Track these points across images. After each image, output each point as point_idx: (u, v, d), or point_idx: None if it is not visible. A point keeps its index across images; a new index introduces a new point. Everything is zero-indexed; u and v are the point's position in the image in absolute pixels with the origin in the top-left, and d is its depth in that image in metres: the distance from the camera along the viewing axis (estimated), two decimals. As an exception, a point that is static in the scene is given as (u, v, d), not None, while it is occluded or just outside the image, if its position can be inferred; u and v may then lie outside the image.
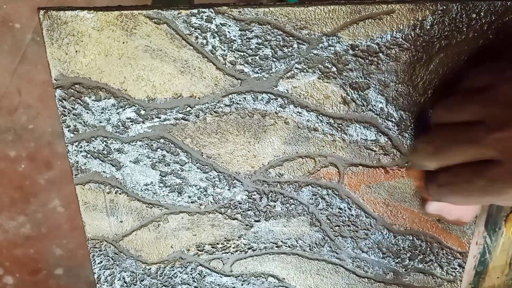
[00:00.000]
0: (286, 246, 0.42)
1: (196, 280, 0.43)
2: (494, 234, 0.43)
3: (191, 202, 0.40)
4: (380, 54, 0.35)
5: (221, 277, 0.43)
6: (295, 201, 0.40)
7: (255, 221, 0.41)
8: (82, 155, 0.38)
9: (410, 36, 0.35)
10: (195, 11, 0.33)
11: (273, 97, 0.36)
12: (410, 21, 0.34)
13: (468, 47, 0.35)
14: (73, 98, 0.36)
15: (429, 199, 0.35)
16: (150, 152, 0.38)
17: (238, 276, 0.43)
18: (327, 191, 0.40)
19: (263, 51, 0.35)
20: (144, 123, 0.37)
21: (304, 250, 0.42)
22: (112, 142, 0.37)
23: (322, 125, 0.37)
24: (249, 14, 0.34)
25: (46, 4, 1.19)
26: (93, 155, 0.38)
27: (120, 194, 0.39)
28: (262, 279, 0.43)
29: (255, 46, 0.35)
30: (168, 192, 0.39)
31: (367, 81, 0.36)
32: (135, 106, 0.36)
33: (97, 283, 0.43)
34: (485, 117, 0.28)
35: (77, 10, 0.33)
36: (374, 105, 0.37)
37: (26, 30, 1.20)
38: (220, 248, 0.42)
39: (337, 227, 0.41)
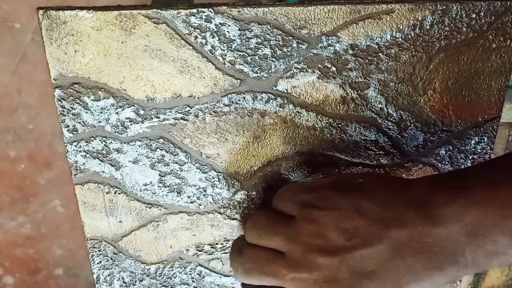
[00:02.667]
0: (285, 246, 0.42)
1: (195, 280, 0.43)
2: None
3: (191, 202, 0.40)
4: (380, 54, 0.35)
5: (220, 277, 0.43)
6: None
7: (255, 221, 0.41)
8: (81, 155, 0.38)
9: (409, 36, 0.34)
10: (194, 10, 0.33)
11: (273, 96, 0.36)
12: (410, 21, 0.34)
13: (468, 47, 0.35)
14: (72, 98, 0.36)
15: None
16: (149, 152, 0.38)
17: (238, 276, 0.43)
18: (326, 191, 0.40)
19: (262, 51, 0.35)
20: (143, 123, 0.37)
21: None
22: (111, 142, 0.37)
23: (322, 124, 0.37)
24: (249, 13, 0.34)
25: (46, 4, 1.19)
26: (92, 155, 0.38)
27: (119, 194, 0.39)
28: (261, 279, 0.43)
29: (255, 46, 0.35)
30: (167, 192, 0.39)
31: (367, 81, 0.36)
32: (134, 106, 0.36)
33: (97, 283, 0.43)
34: (287, 252, 0.31)
35: (76, 10, 0.33)
36: (374, 105, 0.37)
37: (26, 30, 1.20)
38: (220, 248, 0.42)
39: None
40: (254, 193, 0.40)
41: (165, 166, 0.38)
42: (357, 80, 0.36)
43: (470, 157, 0.39)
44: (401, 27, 0.34)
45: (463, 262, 0.29)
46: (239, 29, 0.34)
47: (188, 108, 0.36)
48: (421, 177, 0.32)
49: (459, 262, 0.29)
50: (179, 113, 0.37)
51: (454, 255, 0.29)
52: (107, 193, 0.39)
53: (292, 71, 0.35)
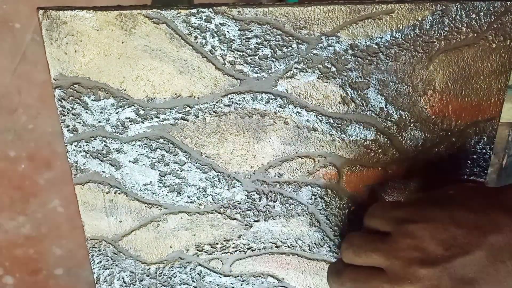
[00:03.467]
0: (285, 246, 0.42)
1: (195, 280, 0.43)
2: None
3: (190, 202, 0.40)
4: (380, 54, 0.35)
5: (220, 277, 0.43)
6: (295, 201, 0.40)
7: (255, 221, 0.41)
8: (81, 155, 0.38)
9: (409, 36, 0.34)
10: (194, 11, 0.33)
11: (273, 97, 0.36)
12: (410, 21, 0.34)
13: (468, 47, 0.35)
14: (72, 98, 0.36)
15: None
16: (149, 152, 0.38)
17: (238, 276, 0.43)
18: (326, 191, 0.40)
19: (262, 51, 0.35)
20: (143, 123, 0.37)
21: (303, 250, 0.42)
22: (111, 142, 0.37)
23: (322, 125, 0.37)
24: (249, 14, 0.34)
25: (46, 4, 1.19)
26: (92, 155, 0.38)
27: (119, 194, 0.39)
28: (261, 279, 0.43)
29: (255, 46, 0.35)
30: (168, 192, 0.39)
31: (367, 81, 0.36)
32: (134, 106, 0.36)
33: (97, 283, 0.43)
34: (387, 268, 0.32)
35: (76, 10, 0.33)
36: (374, 105, 0.37)
37: (26, 30, 1.20)
38: (220, 248, 0.42)
39: (336, 227, 0.41)
40: (254, 193, 0.40)
41: (165, 166, 0.38)
42: (357, 80, 0.36)
43: (470, 157, 0.39)
44: (401, 27, 0.34)
45: None
46: (239, 29, 0.34)
47: (188, 108, 0.36)
48: (509, 184, 0.33)
49: None
50: (179, 113, 0.37)
51: None
52: (107, 193, 0.39)
53: (292, 71, 0.35)
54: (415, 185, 0.39)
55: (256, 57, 0.35)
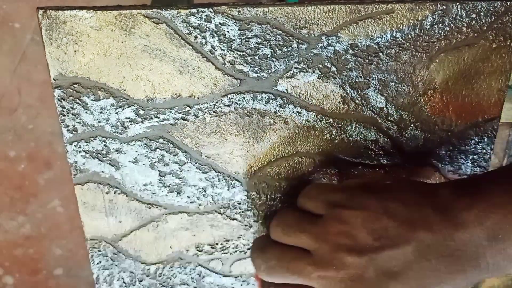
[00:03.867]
0: (285, 247, 0.42)
1: (195, 281, 0.43)
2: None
3: (190, 202, 0.40)
4: (380, 54, 0.35)
5: (220, 278, 0.43)
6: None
7: (255, 221, 0.41)
8: (81, 155, 0.38)
9: (410, 36, 0.34)
10: (194, 10, 0.33)
11: (273, 96, 0.36)
12: (410, 21, 0.34)
13: (468, 47, 0.35)
14: (72, 98, 0.36)
15: None
16: (149, 152, 0.38)
17: (238, 277, 0.43)
18: (326, 191, 0.40)
19: (262, 51, 0.35)
20: (143, 123, 0.37)
21: (303, 251, 0.42)
22: (111, 142, 0.37)
23: (322, 124, 0.37)
24: (249, 13, 0.33)
25: (46, 4, 1.19)
26: (92, 155, 0.38)
27: (119, 194, 0.39)
28: (261, 279, 0.43)
29: (255, 46, 0.35)
30: (167, 192, 0.39)
31: (367, 80, 0.36)
32: (134, 106, 0.36)
33: (96, 283, 0.43)
34: (314, 250, 0.31)
35: (76, 10, 0.33)
36: (374, 105, 0.37)
37: (26, 30, 1.20)
38: (220, 248, 0.42)
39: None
40: (254, 193, 0.40)
41: (165, 166, 0.38)
42: (357, 80, 0.36)
43: (470, 157, 0.39)
44: (401, 27, 0.34)
45: (484, 266, 0.30)
46: (239, 29, 0.34)
47: (188, 108, 0.36)
48: (444, 182, 0.33)
49: (481, 265, 0.30)
50: (179, 113, 0.37)
51: (476, 259, 0.30)
52: (107, 193, 0.39)
53: (292, 71, 0.35)
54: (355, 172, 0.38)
55: (256, 57, 0.35)
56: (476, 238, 0.29)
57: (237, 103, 0.36)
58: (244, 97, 0.36)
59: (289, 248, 0.33)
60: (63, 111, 0.36)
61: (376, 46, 0.35)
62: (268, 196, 0.40)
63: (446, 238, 0.29)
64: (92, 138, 0.37)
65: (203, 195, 0.40)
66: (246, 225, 0.41)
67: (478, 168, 0.39)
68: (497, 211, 0.29)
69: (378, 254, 0.30)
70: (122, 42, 0.34)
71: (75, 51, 0.34)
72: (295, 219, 0.33)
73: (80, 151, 0.37)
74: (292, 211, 0.34)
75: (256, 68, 0.35)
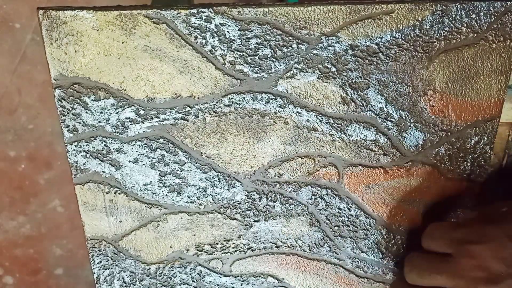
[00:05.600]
0: (285, 246, 0.42)
1: (195, 280, 0.43)
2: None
3: (191, 202, 0.40)
4: (380, 54, 0.35)
5: (220, 277, 0.43)
6: (295, 201, 0.40)
7: (255, 221, 0.41)
8: (81, 155, 0.38)
9: (409, 36, 0.34)
10: (194, 11, 0.33)
11: (273, 97, 0.36)
12: (410, 21, 0.34)
13: (468, 47, 0.35)
14: (72, 98, 0.36)
15: None
16: (149, 152, 0.38)
17: (238, 276, 0.43)
18: (326, 191, 0.40)
19: (262, 51, 0.35)
20: (143, 123, 0.37)
21: (303, 250, 0.42)
22: (111, 142, 0.37)
23: (322, 125, 0.37)
24: (249, 14, 0.34)
25: (46, 4, 1.19)
26: (92, 155, 0.38)
27: (119, 194, 0.39)
28: (261, 279, 0.43)
29: (255, 46, 0.35)
30: (168, 192, 0.39)
31: (367, 81, 0.36)
32: (134, 106, 0.36)
33: (97, 283, 0.43)
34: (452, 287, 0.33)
35: (76, 10, 0.33)
36: (374, 105, 0.37)
37: (26, 30, 1.20)
38: (220, 248, 0.42)
39: (336, 227, 0.41)
40: (254, 193, 0.40)
41: (165, 166, 0.38)
42: (357, 81, 0.36)
43: (470, 157, 0.39)
44: (401, 27, 0.34)
45: None
46: (239, 29, 0.34)
47: (188, 108, 0.36)
48: None
49: None
50: (179, 113, 0.37)
51: None
52: (107, 193, 0.39)
53: (292, 72, 0.35)
54: (468, 205, 0.40)
55: (256, 57, 0.35)
56: None
57: (237, 103, 0.36)
58: (244, 97, 0.36)
59: None
60: (64, 111, 0.36)
61: (376, 47, 0.35)
62: (268, 196, 0.40)
63: None
64: (92, 138, 0.37)
65: (203, 195, 0.40)
66: (246, 225, 0.41)
67: (478, 168, 0.39)
68: None
69: None
70: (122, 42, 0.34)
71: (75, 51, 0.34)
72: (427, 262, 0.35)
73: (80, 151, 0.38)
74: (421, 254, 0.36)
75: (256, 69, 0.35)
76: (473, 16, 0.34)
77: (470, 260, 0.33)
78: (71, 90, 0.35)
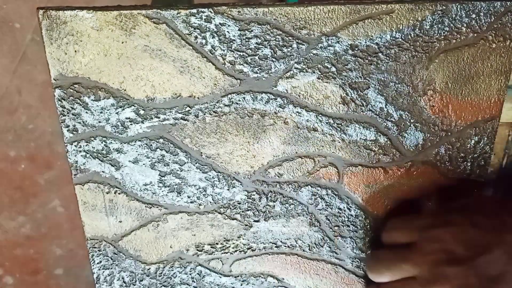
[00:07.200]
0: (285, 246, 0.42)
1: (195, 280, 0.43)
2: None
3: (190, 202, 0.40)
4: (380, 54, 0.35)
5: (220, 277, 0.43)
6: (295, 201, 0.40)
7: (255, 221, 0.41)
8: (81, 155, 0.38)
9: (409, 36, 0.34)
10: (194, 11, 0.33)
11: (273, 97, 0.36)
12: (410, 21, 0.34)
13: (468, 47, 0.35)
14: (72, 98, 0.36)
15: None
16: (149, 152, 0.38)
17: (238, 276, 0.43)
18: (326, 191, 0.40)
19: (262, 51, 0.35)
20: (143, 123, 0.37)
21: (303, 250, 0.42)
22: (111, 142, 0.37)
23: (322, 125, 0.37)
24: (249, 14, 0.34)
25: (46, 4, 1.19)
26: (92, 155, 0.38)
27: (119, 194, 0.39)
28: (261, 279, 0.43)
29: (255, 46, 0.35)
30: (168, 192, 0.39)
31: (367, 81, 0.36)
32: (134, 106, 0.36)
33: (97, 283, 0.43)
34: (417, 275, 0.34)
35: (76, 10, 0.33)
36: (374, 105, 0.37)
37: (26, 30, 1.20)
38: (220, 248, 0.42)
39: (336, 227, 0.41)
40: (254, 193, 0.40)
41: (165, 166, 0.38)
42: (357, 80, 0.36)
43: (470, 157, 0.39)
44: (401, 27, 0.34)
45: None
46: (239, 29, 0.34)
47: (188, 108, 0.36)
48: None
49: None
50: (179, 113, 0.37)
51: None
52: (107, 193, 0.39)
53: (292, 71, 0.35)
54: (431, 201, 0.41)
55: (256, 57, 0.35)
56: None
57: (237, 103, 0.36)
58: (244, 97, 0.36)
59: (395, 282, 0.35)
60: (64, 111, 0.36)
61: (376, 47, 0.35)
62: (268, 196, 0.40)
63: None
64: (92, 138, 0.37)
65: (203, 195, 0.40)
66: (246, 225, 0.41)
67: (478, 168, 0.39)
68: None
69: (475, 261, 0.32)
70: (122, 42, 0.34)
71: (75, 51, 0.34)
72: (391, 253, 0.36)
73: (80, 151, 0.38)
74: (382, 250, 0.37)
75: (256, 68, 0.35)
76: (473, 16, 0.34)
77: (433, 244, 0.33)
78: (71, 90, 0.35)
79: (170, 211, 0.40)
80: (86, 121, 0.37)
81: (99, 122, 0.37)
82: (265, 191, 0.40)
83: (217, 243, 0.42)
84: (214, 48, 0.34)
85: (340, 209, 0.40)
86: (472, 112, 0.37)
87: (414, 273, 0.34)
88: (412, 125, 0.37)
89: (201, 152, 0.38)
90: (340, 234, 0.41)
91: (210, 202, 0.40)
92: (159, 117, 0.37)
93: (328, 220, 0.41)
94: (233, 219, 0.41)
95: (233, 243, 0.42)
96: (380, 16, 0.34)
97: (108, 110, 0.36)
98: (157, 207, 0.40)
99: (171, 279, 0.43)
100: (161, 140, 0.38)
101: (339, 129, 0.37)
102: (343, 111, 0.37)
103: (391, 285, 0.35)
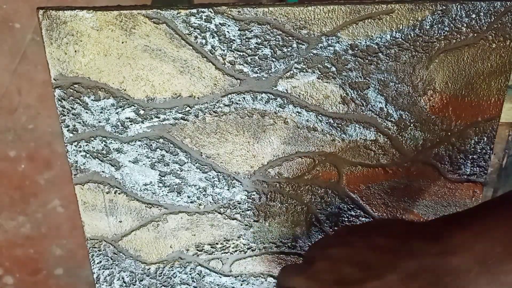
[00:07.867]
0: (285, 246, 0.42)
1: (195, 280, 0.43)
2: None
3: (190, 202, 0.40)
4: (380, 54, 0.35)
5: (220, 277, 0.43)
6: (295, 201, 0.40)
7: (254, 221, 0.41)
8: (81, 155, 0.38)
9: (409, 36, 0.34)
10: (194, 11, 0.33)
11: (273, 97, 0.36)
12: (410, 21, 0.34)
13: (468, 47, 0.35)
14: (72, 98, 0.36)
15: None
16: (149, 152, 0.38)
17: (238, 276, 0.43)
18: (326, 191, 0.40)
19: (262, 51, 0.35)
20: (143, 123, 0.37)
21: (303, 250, 0.42)
22: (111, 142, 0.37)
23: (322, 125, 0.37)
24: (249, 14, 0.34)
25: (46, 4, 1.19)
26: (92, 155, 0.38)
27: (119, 194, 0.39)
28: (261, 279, 0.43)
29: (255, 46, 0.35)
30: (168, 192, 0.39)
31: (367, 81, 0.36)
32: (134, 106, 0.36)
33: (97, 283, 0.43)
34: None
35: (76, 10, 0.33)
36: (374, 105, 0.37)
37: (26, 30, 1.20)
38: (220, 248, 0.42)
39: (336, 227, 0.41)
40: (254, 193, 0.40)
41: (165, 166, 0.38)
42: (357, 80, 0.36)
43: (470, 157, 0.39)
44: (401, 27, 0.34)
45: None
46: (239, 29, 0.34)
47: (188, 108, 0.36)
48: (439, 217, 0.34)
49: None
50: (179, 113, 0.37)
51: (467, 286, 0.29)
52: (107, 193, 0.39)
53: (292, 71, 0.35)
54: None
55: (256, 57, 0.35)
56: (466, 264, 0.29)
57: (237, 103, 0.36)
58: (244, 97, 0.36)
59: None
60: (64, 111, 0.36)
61: (376, 46, 0.35)
62: (268, 196, 0.40)
63: (434, 265, 0.29)
64: (92, 138, 0.37)
65: (203, 195, 0.40)
66: (246, 225, 0.41)
67: (478, 168, 0.39)
68: (487, 234, 0.29)
69: (363, 285, 0.30)
70: (122, 42, 0.34)
71: (75, 51, 0.34)
72: (296, 266, 0.36)
73: (80, 151, 0.38)
74: (295, 262, 0.39)
75: (256, 68, 0.35)
76: (473, 16, 0.34)
77: (325, 262, 0.32)
78: (71, 90, 0.35)
79: (170, 211, 0.40)
80: (86, 121, 0.36)
81: (99, 122, 0.37)
82: (265, 191, 0.40)
83: (217, 243, 0.42)
84: (214, 48, 0.34)
85: (340, 209, 0.40)
86: (472, 112, 0.37)
87: (305, 287, 0.33)
88: (412, 125, 0.37)
89: (201, 152, 0.38)
90: (340, 234, 0.41)
91: (210, 202, 0.40)
92: (159, 117, 0.37)
93: (328, 220, 0.41)
94: (233, 219, 0.41)
95: (233, 243, 0.42)
96: (380, 16, 0.34)
97: (108, 110, 0.36)
98: (157, 207, 0.40)
99: (171, 279, 0.43)
100: (161, 140, 0.38)
101: (339, 129, 0.37)
102: (343, 111, 0.37)
103: None
